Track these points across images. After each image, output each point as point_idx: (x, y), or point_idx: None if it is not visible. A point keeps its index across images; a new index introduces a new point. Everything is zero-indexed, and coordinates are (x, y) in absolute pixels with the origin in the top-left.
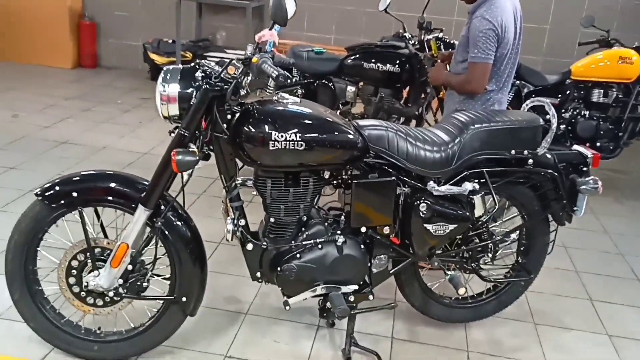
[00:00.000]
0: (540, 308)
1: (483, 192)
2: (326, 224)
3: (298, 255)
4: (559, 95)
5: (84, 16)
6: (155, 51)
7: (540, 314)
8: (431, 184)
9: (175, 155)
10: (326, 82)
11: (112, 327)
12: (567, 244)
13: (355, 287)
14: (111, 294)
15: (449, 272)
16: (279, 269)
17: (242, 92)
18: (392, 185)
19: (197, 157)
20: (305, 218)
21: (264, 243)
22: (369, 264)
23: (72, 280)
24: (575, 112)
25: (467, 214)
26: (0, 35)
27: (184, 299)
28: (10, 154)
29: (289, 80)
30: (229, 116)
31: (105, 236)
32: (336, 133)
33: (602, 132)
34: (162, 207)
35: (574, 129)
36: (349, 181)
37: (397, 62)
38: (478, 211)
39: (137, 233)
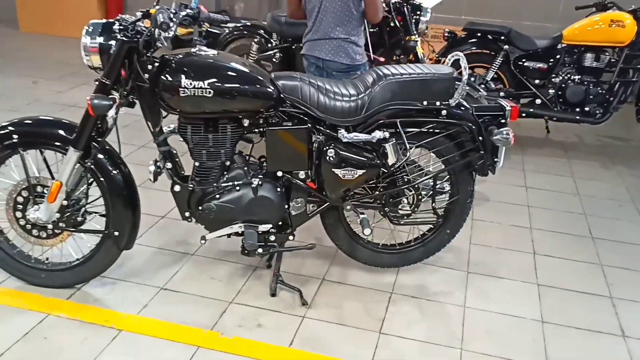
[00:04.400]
0: (479, 259)
1: (394, 140)
2: (246, 168)
3: (217, 196)
4: (550, 60)
5: None
6: (182, 22)
7: (477, 265)
8: (342, 132)
9: (90, 99)
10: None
11: (58, 258)
12: (532, 204)
13: (270, 226)
14: (50, 226)
15: (361, 215)
16: (200, 207)
17: (159, 45)
18: (304, 132)
19: (111, 102)
20: (228, 163)
21: (190, 185)
22: (286, 206)
23: (18, 214)
24: (565, 77)
25: (376, 160)
26: (32, 9)
27: (116, 233)
28: (20, 114)
29: (170, 30)
30: (150, 67)
31: (52, 177)
32: (246, 82)
33: (591, 97)
34: (93, 150)
35: (564, 94)
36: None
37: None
38: (391, 159)
39: (69, 172)
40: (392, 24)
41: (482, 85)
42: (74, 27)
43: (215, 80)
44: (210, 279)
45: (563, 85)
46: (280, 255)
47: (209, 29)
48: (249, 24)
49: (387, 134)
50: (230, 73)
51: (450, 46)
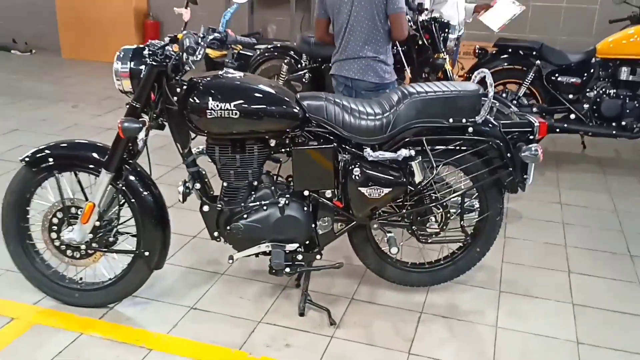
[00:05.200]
0: (511, 278)
1: (420, 158)
2: (273, 188)
3: (245, 216)
4: (584, 75)
5: (148, 15)
6: (210, 46)
7: (509, 283)
8: (367, 150)
9: (121, 122)
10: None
11: (92, 278)
12: (567, 221)
13: (297, 245)
14: (83, 247)
15: (388, 234)
16: (228, 227)
17: (187, 68)
18: (330, 151)
19: (141, 125)
20: (255, 183)
21: (219, 205)
22: (313, 225)
23: (53, 235)
24: (600, 91)
25: (402, 179)
26: (73, 35)
27: (146, 253)
28: (59, 138)
29: (198, 54)
30: (178, 89)
31: (86, 198)
32: (272, 103)
33: (628, 111)
34: (124, 171)
35: (599, 108)
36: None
37: (396, 44)
38: (417, 177)
39: (102, 193)
40: (420, 42)
41: (514, 102)
42: (112, 53)
43: (241, 101)
44: (240, 298)
45: (598, 100)
46: (309, 275)
47: (240, 51)
48: (279, 45)
49: (413, 152)
50: (255, 94)
51: (480, 63)
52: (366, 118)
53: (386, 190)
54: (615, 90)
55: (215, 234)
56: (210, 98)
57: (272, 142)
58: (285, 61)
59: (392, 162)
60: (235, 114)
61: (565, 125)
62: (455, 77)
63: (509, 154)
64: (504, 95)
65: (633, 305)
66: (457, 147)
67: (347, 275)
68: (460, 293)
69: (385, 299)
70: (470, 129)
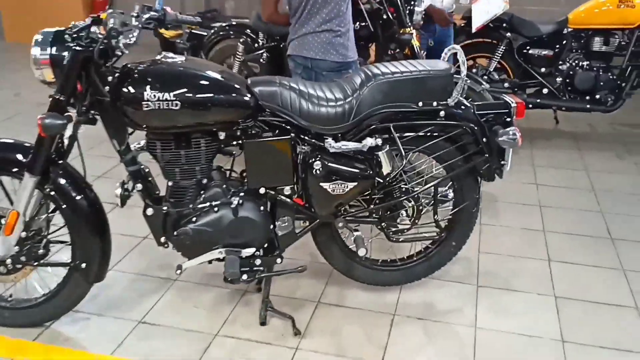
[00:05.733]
0: (490, 270)
1: (388, 147)
2: (225, 186)
3: (194, 219)
4: (556, 46)
5: None
6: (145, 26)
7: (488, 276)
8: (328, 141)
9: (41, 119)
10: None
11: (24, 294)
12: (544, 203)
13: (254, 249)
14: (9, 261)
15: (355, 232)
16: (175, 232)
17: (118, 53)
18: (287, 143)
19: (65, 121)
20: (205, 181)
21: (165, 207)
22: (271, 226)
23: None
24: (573, 64)
25: (369, 171)
26: (17, 17)
27: (83, 265)
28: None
29: (132, 36)
30: (110, 78)
31: (12, 204)
32: (218, 91)
33: (602, 84)
34: (52, 174)
35: (572, 81)
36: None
37: (359, 19)
38: (386, 168)
39: (26, 200)
40: (384, 16)
41: (485, 77)
42: None
43: (182, 90)
44: (194, 307)
45: (571, 73)
46: (269, 280)
47: (193, 31)
48: (234, 23)
49: (379, 141)
50: (199, 81)
51: None
52: (326, 104)
53: (351, 185)
54: (588, 62)
55: (162, 239)
56: (146, 87)
57: (222, 135)
58: (241, 40)
59: (357, 152)
60: (176, 104)
61: (538, 100)
62: (423, 54)
63: (484, 139)
64: (474, 70)
65: (618, 295)
66: (428, 133)
67: (313, 276)
68: (436, 290)
69: (355, 301)
70: (442, 113)
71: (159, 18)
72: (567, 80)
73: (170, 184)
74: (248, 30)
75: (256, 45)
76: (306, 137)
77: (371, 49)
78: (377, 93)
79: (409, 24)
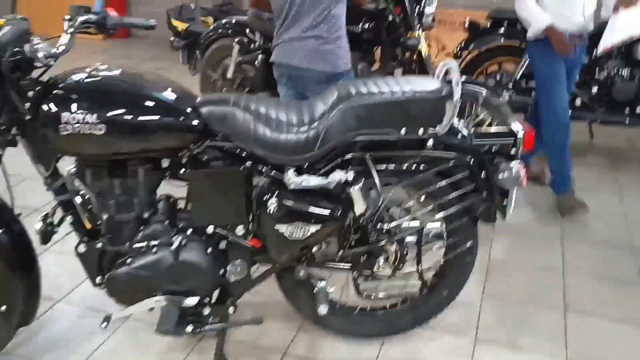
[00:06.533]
0: (492, 319)
1: (362, 183)
2: (168, 222)
3: (129, 260)
4: (593, 52)
5: None
6: (177, 17)
7: (489, 328)
8: (289, 174)
9: None
10: None
11: None
12: (567, 235)
13: (197, 299)
14: None
15: (318, 284)
16: (106, 275)
17: (38, 64)
18: (239, 175)
19: None
20: (146, 215)
21: (99, 244)
22: (222, 272)
23: None
24: (612, 72)
25: (337, 212)
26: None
27: (3, 308)
28: None
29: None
30: (31, 93)
31: None
32: (154, 113)
33: None
34: None
35: (610, 92)
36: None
37: (361, 21)
38: (359, 207)
39: None
40: (390, 18)
41: (510, 84)
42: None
43: (109, 112)
44: (141, 354)
45: (609, 82)
46: (224, 332)
47: (190, 29)
48: (233, 21)
49: (351, 176)
50: (131, 100)
51: (472, 39)
52: (286, 130)
53: (314, 228)
54: (629, 71)
55: (98, 280)
56: (67, 106)
57: (165, 163)
58: (237, 40)
59: (323, 188)
60: (100, 129)
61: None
62: (433, 59)
63: (482, 175)
64: (498, 77)
65: None
66: (414, 166)
67: (284, 319)
68: (424, 344)
69: (327, 354)
70: (430, 142)
71: (99, 21)
72: (604, 91)
73: (104, 217)
74: (247, 30)
75: (252, 46)
76: (265, 168)
77: (376, 53)
78: (349, 117)
79: (419, 26)
